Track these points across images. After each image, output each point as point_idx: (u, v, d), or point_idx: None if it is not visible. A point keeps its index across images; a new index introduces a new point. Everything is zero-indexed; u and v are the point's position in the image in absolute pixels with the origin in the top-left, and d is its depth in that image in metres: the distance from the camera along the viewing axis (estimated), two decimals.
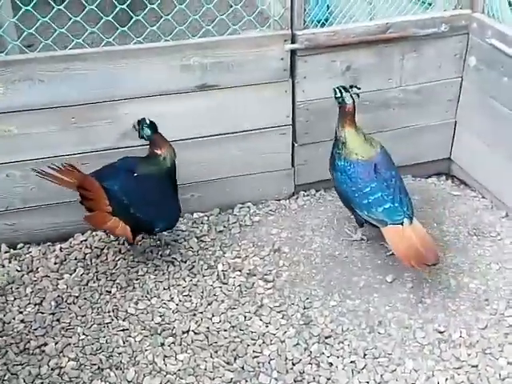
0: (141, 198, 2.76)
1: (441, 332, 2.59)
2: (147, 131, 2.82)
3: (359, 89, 2.83)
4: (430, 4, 3.39)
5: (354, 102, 2.82)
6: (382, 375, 2.42)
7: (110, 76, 2.85)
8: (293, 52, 3.05)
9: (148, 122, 2.82)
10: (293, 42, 3.02)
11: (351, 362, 2.48)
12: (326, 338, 2.57)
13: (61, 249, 3.04)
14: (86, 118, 2.91)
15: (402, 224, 2.71)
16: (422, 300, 2.74)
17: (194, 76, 2.95)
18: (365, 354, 2.50)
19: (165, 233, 3.03)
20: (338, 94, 2.84)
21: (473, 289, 2.79)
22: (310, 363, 2.47)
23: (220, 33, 3.04)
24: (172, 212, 2.88)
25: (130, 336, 2.60)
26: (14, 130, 2.19)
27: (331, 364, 2.47)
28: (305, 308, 2.71)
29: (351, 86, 2.84)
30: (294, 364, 2.47)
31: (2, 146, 2.84)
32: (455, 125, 3.48)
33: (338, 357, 2.49)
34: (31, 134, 2.85)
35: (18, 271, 2.93)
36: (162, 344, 2.56)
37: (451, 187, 3.49)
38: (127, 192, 2.75)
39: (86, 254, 3.01)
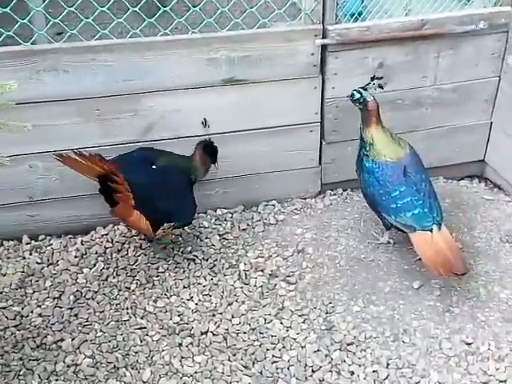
0: (161, 191, 2.71)
1: (468, 344, 2.49)
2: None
3: (381, 78, 2.76)
4: (468, 0, 3.26)
5: (375, 99, 2.73)
6: None
7: (135, 68, 2.79)
8: (323, 47, 2.95)
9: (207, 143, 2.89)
10: (324, 36, 2.93)
11: (373, 371, 2.40)
12: (348, 345, 2.49)
13: (82, 242, 3.01)
14: (111, 111, 2.85)
15: (430, 230, 2.61)
16: (449, 309, 2.64)
17: (220, 70, 2.88)
18: (388, 364, 2.42)
19: (186, 229, 2.98)
20: (358, 96, 2.77)
21: (503, 299, 2.68)
22: (330, 371, 2.40)
23: (250, 26, 2.96)
24: (189, 207, 2.83)
25: (147, 335, 2.55)
26: (28, 126, 2.13)
27: (352, 373, 2.39)
28: (327, 313, 2.64)
29: (372, 78, 2.76)
30: (313, 371, 2.40)
31: (24, 137, 2.77)
32: (491, 126, 3.36)
33: (359, 365, 2.42)
34: (55, 126, 2.81)
35: (38, 263, 2.90)
36: (180, 344, 2.51)
37: (484, 191, 3.37)
38: (150, 184, 2.70)
39: (107, 248, 2.97)
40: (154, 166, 2.76)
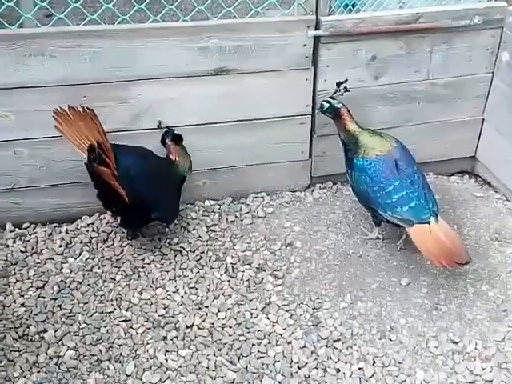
0: (146, 177, 2.66)
1: (455, 342, 2.47)
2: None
3: (346, 81, 2.82)
4: None
5: (344, 105, 2.80)
6: None
7: (124, 55, 2.73)
8: (316, 39, 2.90)
9: (174, 134, 2.86)
10: (317, 28, 2.88)
11: (359, 368, 2.37)
12: (335, 341, 2.47)
13: (67, 231, 2.96)
14: (98, 98, 2.78)
15: (428, 223, 2.59)
16: (437, 307, 2.62)
17: (211, 59, 2.82)
18: (374, 362, 2.40)
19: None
20: (327, 106, 2.83)
21: (491, 298, 2.66)
22: (316, 367, 2.38)
23: (242, 14, 2.90)
24: (172, 205, 2.80)
25: (131, 327, 2.51)
26: (10, 115, 2.07)
27: (338, 370, 2.37)
28: (314, 308, 2.61)
29: (338, 84, 2.83)
30: (299, 368, 2.37)
31: (9, 122, 2.74)
32: (482, 122, 3.33)
33: (345, 363, 2.39)
34: (41, 112, 2.73)
35: (22, 252, 2.85)
36: (165, 338, 2.47)
37: (474, 187, 3.35)
38: (135, 167, 2.65)
39: (93, 237, 2.92)
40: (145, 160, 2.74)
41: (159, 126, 2.88)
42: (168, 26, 2.79)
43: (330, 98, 2.84)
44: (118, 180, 2.53)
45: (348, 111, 2.81)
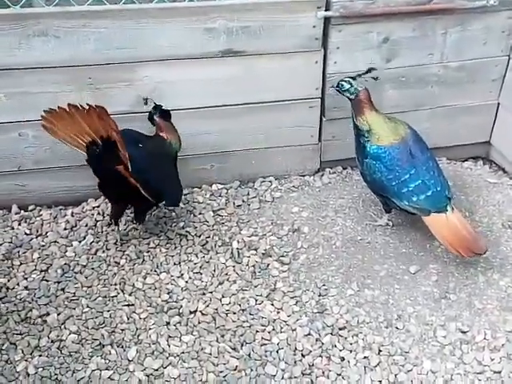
0: (149, 166, 2.57)
1: (464, 332, 2.41)
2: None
3: (374, 70, 2.71)
4: None
5: (365, 87, 2.68)
6: (396, 375, 2.26)
7: (129, 36, 2.68)
8: (326, 20, 2.83)
9: (162, 110, 2.77)
10: (327, 9, 2.80)
11: (364, 357, 2.32)
12: (340, 329, 2.42)
13: (72, 214, 2.93)
14: (103, 79, 2.75)
15: (445, 211, 2.55)
16: (446, 295, 2.56)
17: (218, 40, 2.76)
18: (380, 351, 2.34)
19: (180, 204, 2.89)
20: (348, 86, 2.71)
21: (502, 287, 2.59)
22: (320, 356, 2.32)
23: None
24: (177, 188, 2.74)
25: (134, 312, 2.48)
26: (2, 98, 2.04)
27: (343, 358, 2.32)
28: (320, 295, 2.56)
29: (369, 70, 2.71)
30: (303, 355, 2.33)
31: (14, 104, 2.71)
32: (498, 106, 3.24)
33: (350, 351, 2.34)
34: (45, 93, 2.71)
35: (27, 234, 2.83)
36: (168, 323, 2.44)
37: (488, 173, 3.27)
38: (136, 158, 2.52)
39: (98, 221, 2.90)
40: (140, 145, 2.64)
41: (146, 103, 2.80)
42: (174, 6, 2.74)
43: (352, 78, 2.72)
44: (132, 176, 2.43)
45: (368, 95, 2.70)
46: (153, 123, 2.81)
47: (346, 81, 2.72)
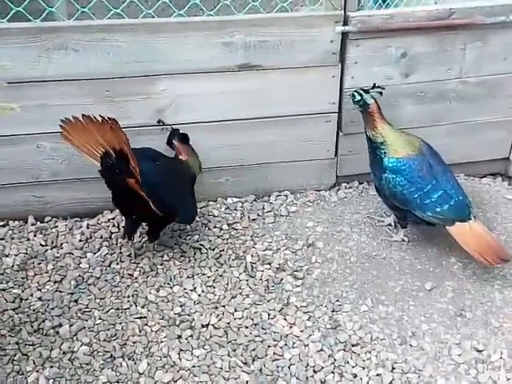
0: (162, 182, 2.58)
1: (479, 351, 2.37)
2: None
3: (383, 89, 2.71)
4: None
5: (376, 101, 2.69)
6: None
7: (147, 50, 2.70)
8: (344, 35, 2.83)
9: (180, 134, 2.81)
10: (345, 23, 2.81)
11: (377, 374, 2.29)
12: (353, 345, 2.39)
13: (88, 225, 2.95)
14: (121, 93, 2.77)
15: (468, 219, 2.57)
16: (461, 313, 2.52)
17: (236, 54, 2.78)
18: (393, 368, 2.31)
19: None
20: (358, 98, 2.72)
21: None
22: (332, 372, 2.30)
23: (268, 10, 2.85)
24: (193, 207, 2.76)
25: (146, 325, 2.48)
26: (17, 109, 2.06)
27: (355, 375, 2.29)
28: (333, 311, 2.54)
29: (373, 87, 2.72)
30: (315, 371, 2.30)
31: (32, 116, 2.74)
32: None
33: (363, 368, 2.31)
34: (63, 106, 2.72)
35: (42, 246, 2.84)
36: (179, 336, 2.43)
37: (507, 190, 3.23)
38: (149, 173, 2.52)
39: (113, 233, 2.91)
40: (157, 163, 2.66)
41: (159, 124, 2.84)
42: (192, 20, 2.75)
43: (365, 91, 2.73)
44: (143, 190, 2.43)
45: (378, 108, 2.71)
46: (172, 147, 2.84)
47: (358, 92, 2.74)
